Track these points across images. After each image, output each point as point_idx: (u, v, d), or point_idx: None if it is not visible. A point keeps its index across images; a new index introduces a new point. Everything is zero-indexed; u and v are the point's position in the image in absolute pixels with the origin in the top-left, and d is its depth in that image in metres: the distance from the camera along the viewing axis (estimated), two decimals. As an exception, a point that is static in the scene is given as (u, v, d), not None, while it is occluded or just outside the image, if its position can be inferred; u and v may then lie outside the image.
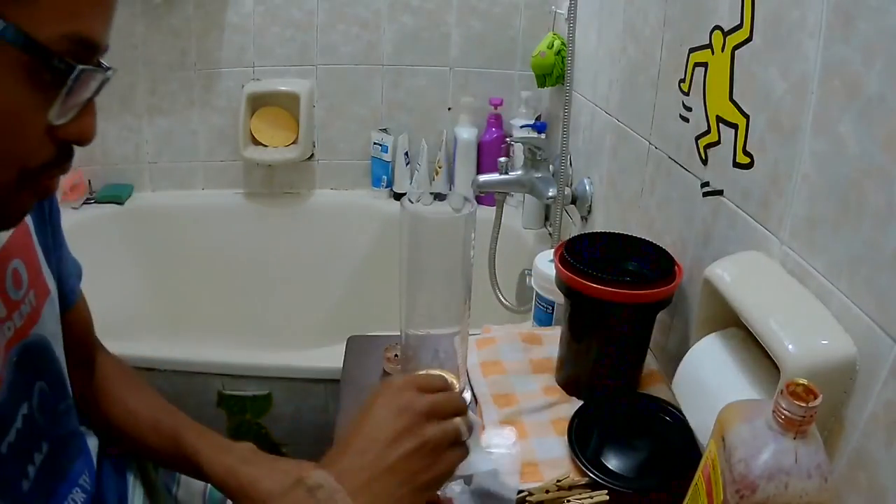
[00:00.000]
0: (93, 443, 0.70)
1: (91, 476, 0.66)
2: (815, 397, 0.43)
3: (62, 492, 0.61)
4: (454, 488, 0.64)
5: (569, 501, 0.63)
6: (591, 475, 0.66)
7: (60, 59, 0.41)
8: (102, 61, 0.45)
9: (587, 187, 1.33)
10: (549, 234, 1.62)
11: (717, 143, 0.78)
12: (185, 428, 0.68)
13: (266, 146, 1.80)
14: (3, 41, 0.39)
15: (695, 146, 0.83)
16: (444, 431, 0.54)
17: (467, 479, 0.62)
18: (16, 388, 0.55)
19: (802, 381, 0.44)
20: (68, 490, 0.62)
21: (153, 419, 0.69)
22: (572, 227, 1.47)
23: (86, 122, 0.45)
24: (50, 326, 0.60)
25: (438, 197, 0.73)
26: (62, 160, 0.46)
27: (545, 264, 0.92)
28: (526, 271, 1.48)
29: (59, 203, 0.66)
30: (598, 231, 0.83)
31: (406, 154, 1.83)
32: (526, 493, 0.65)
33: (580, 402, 0.78)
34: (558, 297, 0.87)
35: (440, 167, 1.84)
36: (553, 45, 1.47)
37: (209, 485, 0.80)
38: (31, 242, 0.60)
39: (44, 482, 0.58)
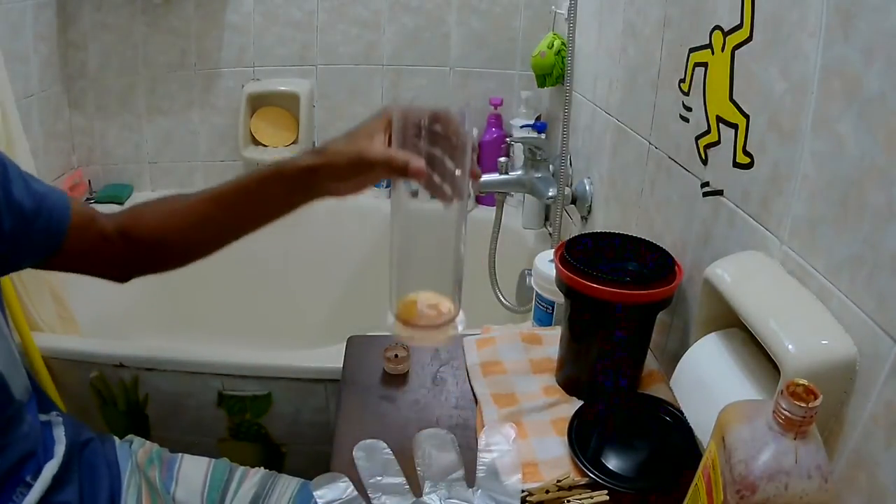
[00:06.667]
0: (59, 432, 0.69)
1: (51, 464, 0.66)
2: (816, 398, 0.43)
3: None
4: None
5: (569, 501, 0.63)
6: (591, 475, 0.66)
7: None
8: None
9: (587, 187, 1.33)
10: (549, 234, 1.62)
11: (717, 143, 0.78)
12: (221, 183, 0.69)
13: (266, 146, 1.80)
14: None
15: (695, 146, 0.83)
16: None
17: None
18: None
19: (802, 381, 0.44)
20: (10, 491, 0.61)
21: (192, 201, 0.70)
22: (572, 227, 1.47)
23: None
24: None
25: None
26: None
27: (545, 264, 0.92)
28: (526, 271, 1.48)
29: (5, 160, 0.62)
30: (598, 231, 0.83)
31: (406, 154, 1.83)
32: (526, 494, 0.65)
33: (580, 402, 0.78)
34: (558, 297, 0.87)
35: (440, 167, 1.84)
36: (553, 45, 1.47)
37: (208, 484, 0.80)
38: None
39: None
